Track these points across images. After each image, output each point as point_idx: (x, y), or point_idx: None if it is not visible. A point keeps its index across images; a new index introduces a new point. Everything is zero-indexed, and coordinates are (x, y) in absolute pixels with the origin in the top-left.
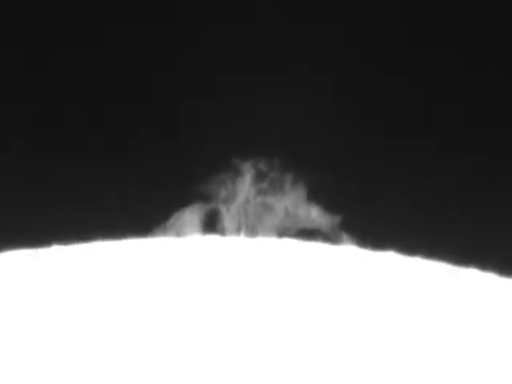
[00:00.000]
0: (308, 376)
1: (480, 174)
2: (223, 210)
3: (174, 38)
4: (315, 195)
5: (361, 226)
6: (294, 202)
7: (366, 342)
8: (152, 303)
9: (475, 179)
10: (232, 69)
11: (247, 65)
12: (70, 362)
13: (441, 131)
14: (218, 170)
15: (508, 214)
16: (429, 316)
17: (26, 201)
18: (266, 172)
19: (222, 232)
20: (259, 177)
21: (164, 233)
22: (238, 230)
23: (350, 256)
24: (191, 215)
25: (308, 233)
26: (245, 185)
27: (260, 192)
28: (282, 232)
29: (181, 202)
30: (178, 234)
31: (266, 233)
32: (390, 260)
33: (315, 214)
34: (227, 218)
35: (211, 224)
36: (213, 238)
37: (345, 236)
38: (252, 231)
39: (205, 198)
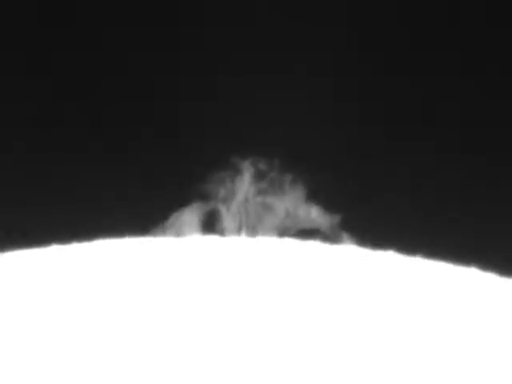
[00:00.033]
0: (308, 376)
1: (480, 174)
2: (223, 209)
3: (174, 38)
4: (315, 195)
5: (361, 225)
6: (293, 201)
7: (366, 341)
8: (152, 302)
9: (475, 179)
10: (232, 69)
11: (247, 65)
12: (70, 361)
13: (441, 131)
14: (218, 169)
15: (508, 214)
16: (429, 316)
17: (26, 201)
18: (266, 172)
19: (222, 232)
20: (259, 176)
21: (163, 232)
22: (238, 230)
23: (349, 255)
24: (191, 215)
25: (308, 232)
26: (244, 184)
27: (260, 192)
28: (282, 232)
29: (181, 201)
30: (178, 233)
31: (266, 232)
32: (390, 260)
33: (315, 214)
34: (227, 218)
35: (211, 224)
36: (212, 238)
37: (345, 236)
38: (252, 231)
39: (204, 197)
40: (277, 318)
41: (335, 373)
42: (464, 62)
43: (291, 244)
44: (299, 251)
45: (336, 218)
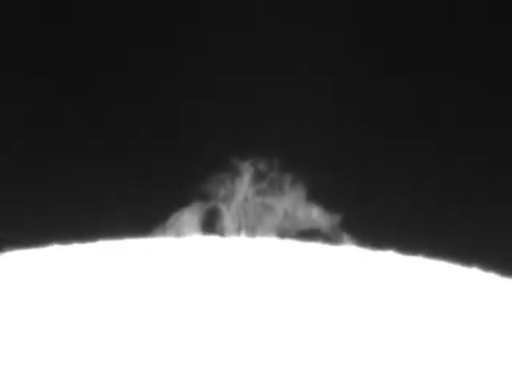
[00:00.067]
0: (308, 376)
1: (480, 173)
2: (223, 209)
3: (174, 38)
4: (315, 195)
5: (361, 225)
6: (293, 202)
7: (366, 342)
8: (152, 303)
9: (475, 179)
10: (232, 69)
11: (247, 65)
12: (70, 361)
13: (441, 131)
14: (218, 169)
15: (508, 214)
16: (429, 316)
17: (25, 201)
18: (266, 172)
19: (222, 232)
20: (259, 176)
21: (163, 233)
22: (237, 230)
23: (350, 256)
24: (191, 215)
25: (308, 233)
26: (244, 184)
27: (260, 192)
28: (282, 232)
29: (181, 201)
30: (178, 233)
31: (265, 233)
32: (390, 260)
33: (315, 214)
34: (227, 218)
35: (211, 224)
36: (212, 238)
37: (345, 236)
38: (252, 231)
39: (204, 197)
40: (277, 319)
41: (335, 373)
42: (464, 62)
43: (291, 244)
44: (299, 251)
45: (336, 218)
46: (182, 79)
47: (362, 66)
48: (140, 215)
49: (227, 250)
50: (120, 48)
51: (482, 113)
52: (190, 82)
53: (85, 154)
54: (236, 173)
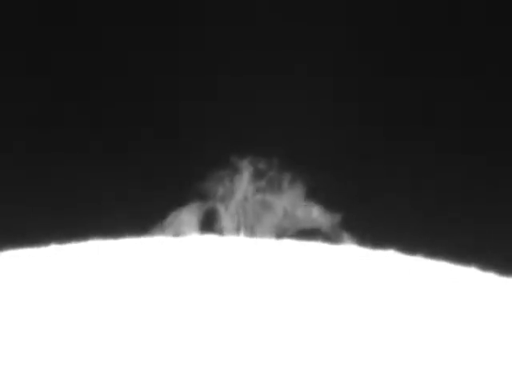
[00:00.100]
0: (308, 376)
1: (480, 173)
2: (222, 209)
3: (174, 38)
4: (315, 195)
5: (361, 225)
6: (293, 201)
7: (366, 342)
8: (150, 302)
9: (475, 179)
10: (232, 69)
11: (247, 65)
12: (69, 361)
13: (441, 131)
14: (218, 169)
15: (508, 214)
16: (429, 316)
17: (25, 201)
18: (265, 171)
19: (221, 231)
20: (258, 176)
21: (162, 232)
22: (236, 229)
23: (349, 255)
24: (189, 214)
25: (307, 232)
26: (243, 183)
27: (259, 191)
28: (281, 231)
29: (181, 201)
30: (176, 233)
31: (264, 232)
32: (390, 259)
33: (315, 214)
34: (226, 218)
35: (209, 223)
36: (211, 238)
37: (345, 235)
38: (251, 230)
39: (203, 196)
40: (276, 318)
41: (335, 373)
42: (464, 62)
43: (290, 244)
44: (298, 251)
45: (336, 218)
46: (182, 79)
47: (362, 66)
48: (140, 215)
49: (226, 250)
50: (120, 48)
51: (482, 113)
52: (190, 81)
53: (85, 153)
54: (235, 172)
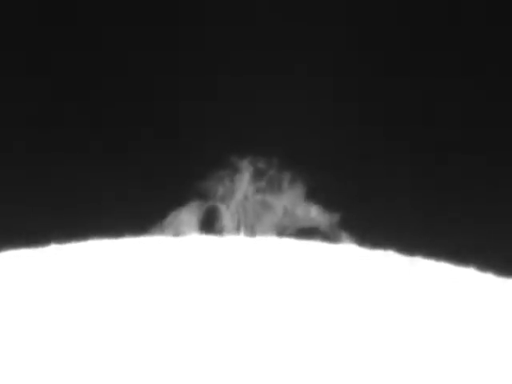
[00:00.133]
0: (308, 376)
1: (480, 173)
2: (222, 208)
3: (174, 38)
4: (315, 195)
5: (360, 225)
6: (293, 200)
7: (365, 342)
8: (150, 302)
9: (475, 179)
10: (232, 69)
11: (247, 65)
12: (69, 361)
13: (441, 131)
14: (218, 169)
15: (508, 213)
16: (428, 316)
17: (25, 201)
18: (265, 171)
19: (221, 231)
20: (258, 176)
21: (162, 232)
22: (236, 229)
23: (349, 255)
24: (189, 214)
25: (307, 231)
26: (243, 183)
27: (259, 191)
28: (281, 231)
29: (181, 201)
30: (176, 232)
31: (264, 231)
32: (390, 259)
33: (314, 213)
34: (226, 217)
35: (209, 223)
36: (211, 237)
37: (344, 235)
38: (251, 230)
39: (203, 196)
40: (276, 318)
41: (335, 373)
42: (464, 62)
43: (290, 243)
44: (298, 250)
45: (335, 218)
46: (182, 79)
47: (362, 66)
48: (140, 215)
49: (226, 249)
50: (120, 48)
51: (482, 113)
52: (190, 81)
53: (85, 153)
54: (235, 172)
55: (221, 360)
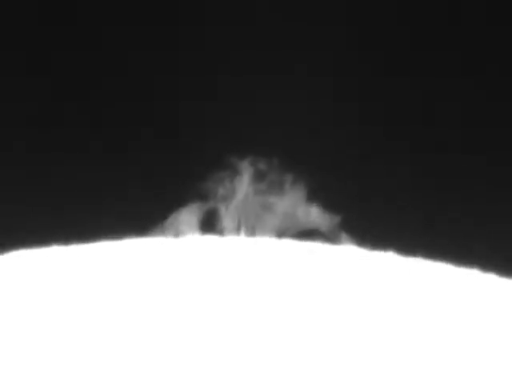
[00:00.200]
0: (308, 376)
1: (480, 173)
2: (222, 209)
3: (174, 38)
4: (315, 195)
5: (360, 225)
6: (293, 201)
7: (365, 342)
8: (151, 303)
9: (475, 179)
10: (232, 69)
11: (247, 65)
12: (69, 361)
13: (441, 131)
14: (218, 169)
15: (508, 213)
16: (429, 316)
17: (26, 201)
18: (266, 172)
19: (221, 232)
20: (258, 176)
21: (162, 232)
22: (237, 230)
23: (349, 256)
24: (190, 215)
25: (307, 232)
26: (243, 184)
27: (259, 192)
28: (281, 231)
29: (181, 202)
30: (177, 233)
31: (265, 232)
32: (390, 260)
33: (315, 214)
34: (226, 218)
35: (210, 224)
36: (211, 238)
37: (344, 236)
38: (251, 231)
39: (203, 197)
40: (276, 318)
41: (335, 373)
42: (464, 62)
43: (290, 244)
44: (298, 251)
45: (336, 218)
46: (182, 79)
47: (362, 66)
48: (140, 215)
49: (226, 250)
50: (120, 48)
51: (482, 113)
52: (190, 82)
53: (85, 153)
54: (235, 172)
55: (221, 360)
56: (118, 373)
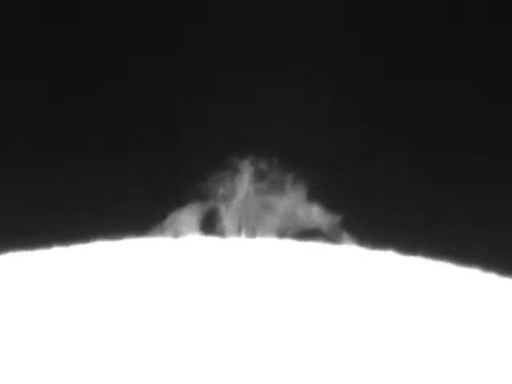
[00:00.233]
0: (308, 376)
1: (480, 173)
2: (222, 209)
3: (174, 38)
4: (315, 195)
5: (361, 225)
6: (293, 201)
7: (366, 341)
8: (151, 302)
9: (475, 179)
10: (232, 69)
11: (247, 65)
12: (69, 361)
13: (441, 131)
14: (218, 169)
15: (508, 213)
16: (429, 315)
17: (25, 201)
18: (266, 172)
19: (222, 232)
20: (259, 176)
21: (162, 232)
22: (237, 230)
23: (350, 255)
24: (189, 215)
25: (308, 232)
26: (244, 184)
27: (260, 192)
28: (282, 231)
29: (181, 201)
30: (176, 233)
31: (265, 232)
32: (390, 259)
33: (315, 214)
34: (226, 218)
35: (210, 224)
36: (211, 238)
37: (345, 235)
38: (251, 231)
39: (203, 197)
40: (277, 318)
41: (335, 373)
42: (464, 62)
43: (291, 244)
44: (299, 251)
45: (336, 218)
46: (182, 79)
47: (362, 66)
48: (139, 215)
49: (227, 250)
50: (120, 48)
51: (482, 113)
52: (190, 82)
53: (85, 153)
54: (236, 172)
55: (221, 360)
56: (117, 371)
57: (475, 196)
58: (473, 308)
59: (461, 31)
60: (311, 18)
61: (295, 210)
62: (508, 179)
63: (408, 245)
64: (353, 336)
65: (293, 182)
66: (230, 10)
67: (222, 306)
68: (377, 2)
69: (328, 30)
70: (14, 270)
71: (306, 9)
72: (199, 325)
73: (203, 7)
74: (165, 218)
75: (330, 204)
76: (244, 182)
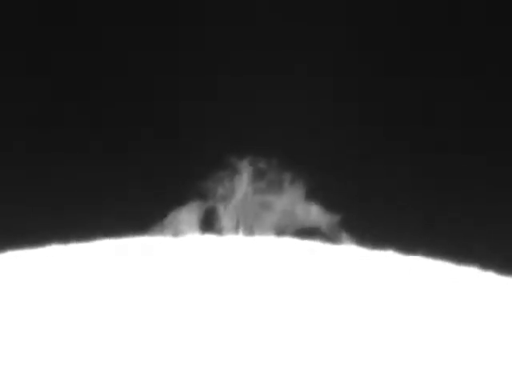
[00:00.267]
0: (308, 376)
1: (480, 173)
2: (221, 208)
3: (174, 38)
4: (315, 195)
5: (360, 225)
6: (292, 200)
7: (365, 341)
8: (151, 301)
9: (475, 179)
10: (232, 69)
11: (247, 65)
12: (69, 361)
13: (441, 131)
14: (218, 169)
15: (508, 213)
16: (428, 315)
17: (26, 201)
18: (265, 171)
19: (220, 231)
20: (258, 176)
21: (162, 232)
22: (236, 229)
23: (349, 255)
24: (189, 214)
25: (307, 232)
26: (243, 183)
27: (259, 191)
28: (281, 231)
29: (181, 201)
30: (176, 232)
31: (264, 231)
32: (390, 259)
33: (315, 213)
34: (225, 217)
35: (209, 223)
36: (211, 237)
37: (344, 235)
38: (250, 230)
39: (203, 196)
40: (275, 318)
41: (335, 373)
42: (464, 62)
43: (290, 243)
44: (298, 251)
45: (336, 218)
46: (182, 79)
47: (362, 66)
48: (139, 215)
49: (226, 248)
50: (120, 48)
51: (482, 113)
52: (190, 81)
53: (85, 153)
54: (235, 172)
55: (221, 359)
56: (117, 371)
57: (475, 196)
58: (473, 308)
59: (461, 31)
60: (311, 18)
61: (294, 210)
62: (508, 179)
63: (408, 245)
64: (352, 336)
65: (292, 181)
66: (230, 10)
67: (221, 304)
68: (377, 2)
69: (328, 29)
70: (14, 269)
71: (306, 9)
72: (199, 323)
73: (203, 7)
74: (165, 218)
75: (329, 204)
76: (243, 182)
